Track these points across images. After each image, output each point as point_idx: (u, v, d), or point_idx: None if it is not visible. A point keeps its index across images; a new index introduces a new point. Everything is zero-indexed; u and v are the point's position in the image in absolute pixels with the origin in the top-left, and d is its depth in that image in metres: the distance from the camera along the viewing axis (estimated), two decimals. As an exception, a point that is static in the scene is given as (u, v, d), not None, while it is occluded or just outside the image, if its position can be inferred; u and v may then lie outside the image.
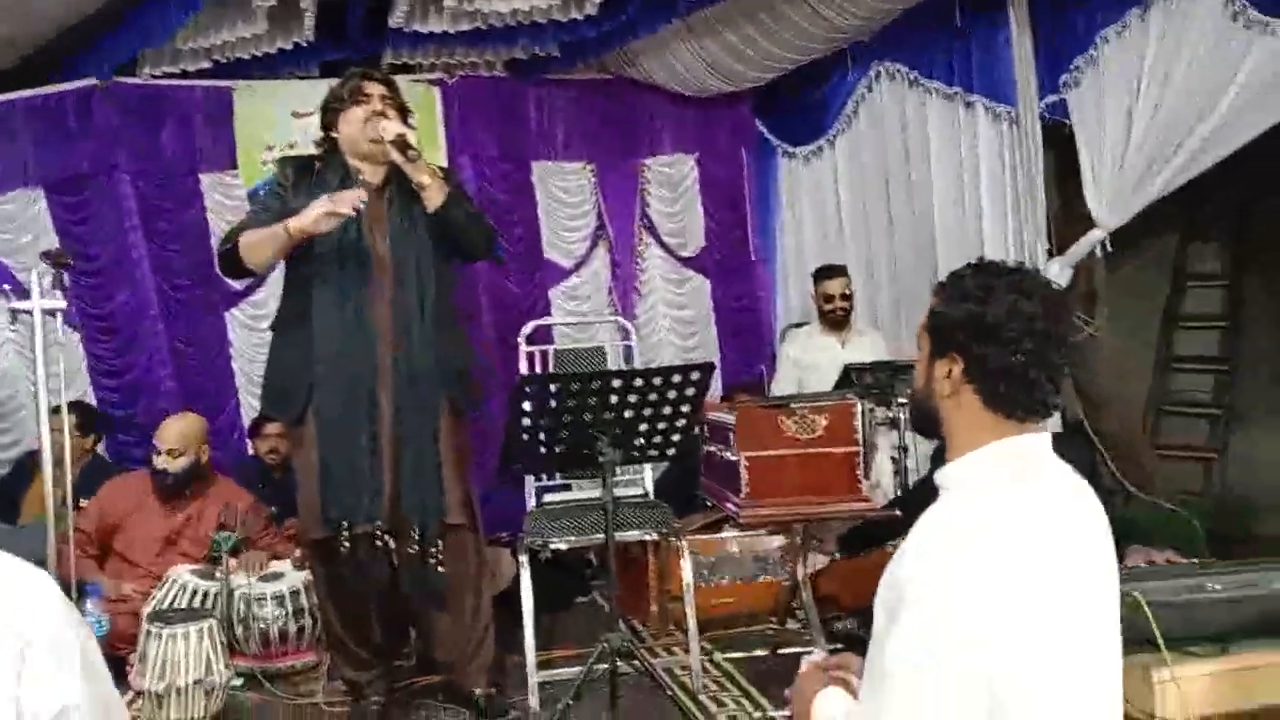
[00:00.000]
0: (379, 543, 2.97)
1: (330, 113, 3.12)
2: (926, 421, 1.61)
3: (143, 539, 3.83)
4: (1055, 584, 1.41)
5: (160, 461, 3.83)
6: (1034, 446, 1.52)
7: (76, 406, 4.77)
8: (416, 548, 2.98)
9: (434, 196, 2.99)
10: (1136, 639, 2.49)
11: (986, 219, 4.60)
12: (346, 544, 2.93)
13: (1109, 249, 4.21)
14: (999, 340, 1.47)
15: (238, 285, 5.35)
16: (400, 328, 3.00)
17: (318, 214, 2.84)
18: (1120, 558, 3.34)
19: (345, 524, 2.92)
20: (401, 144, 2.95)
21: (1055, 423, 4.16)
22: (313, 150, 3.21)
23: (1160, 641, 2.51)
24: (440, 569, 3.02)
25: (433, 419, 3.01)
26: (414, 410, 2.99)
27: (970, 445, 1.51)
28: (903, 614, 1.38)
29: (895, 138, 5.15)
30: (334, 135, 3.12)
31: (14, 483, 4.81)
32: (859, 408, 3.08)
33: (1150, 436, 5.01)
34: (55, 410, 4.69)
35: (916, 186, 5.04)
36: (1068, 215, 4.36)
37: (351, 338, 2.96)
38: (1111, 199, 4.08)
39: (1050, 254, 4.33)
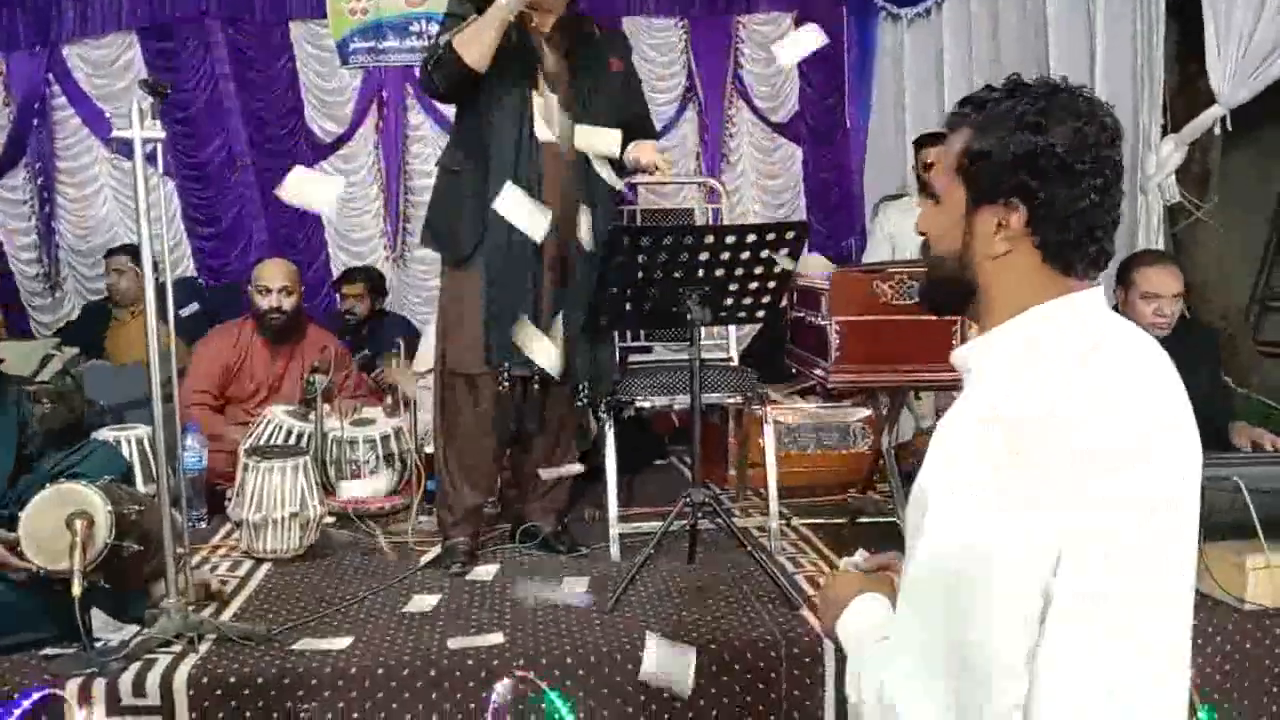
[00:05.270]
0: (534, 386, 3.07)
1: None
2: (954, 296, 1.28)
3: (253, 385, 3.96)
4: (1125, 487, 1.12)
5: (270, 301, 3.91)
6: (1092, 304, 1.22)
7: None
8: (584, 401, 3.13)
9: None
10: (1233, 524, 2.45)
11: (1100, 92, 4.35)
12: (506, 384, 3.03)
13: (1228, 128, 3.99)
14: (1070, 176, 1.16)
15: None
16: (573, 185, 3.02)
17: None
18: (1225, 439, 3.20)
19: (505, 364, 3.01)
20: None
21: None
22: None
23: (1259, 527, 2.46)
24: (607, 424, 3.17)
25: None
26: (585, 266, 3.01)
27: (1013, 310, 1.21)
28: (925, 521, 1.14)
29: (1010, 2, 4.88)
30: None
31: (91, 323, 4.93)
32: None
33: (1252, 332, 4.83)
34: (123, 249, 4.79)
35: (1029, 56, 4.77)
36: (1186, 95, 4.13)
37: (526, 189, 2.95)
38: (1235, 74, 3.83)
39: (1165, 130, 4.11)
